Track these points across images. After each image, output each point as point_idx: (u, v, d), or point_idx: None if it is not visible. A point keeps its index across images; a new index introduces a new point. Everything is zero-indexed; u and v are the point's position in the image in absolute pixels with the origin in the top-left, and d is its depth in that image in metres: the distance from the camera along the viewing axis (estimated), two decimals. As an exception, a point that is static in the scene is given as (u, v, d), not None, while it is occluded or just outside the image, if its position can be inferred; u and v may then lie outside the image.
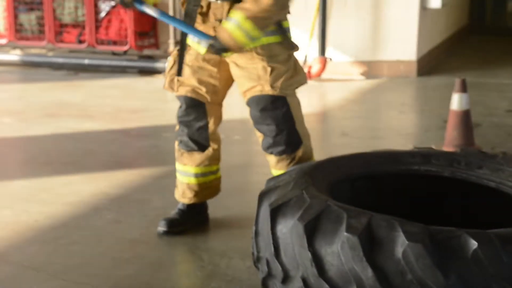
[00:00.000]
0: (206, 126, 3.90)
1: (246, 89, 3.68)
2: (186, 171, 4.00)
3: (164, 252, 3.94)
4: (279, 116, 3.63)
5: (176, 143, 4.03)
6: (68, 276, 3.60)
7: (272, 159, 3.77)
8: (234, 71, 3.72)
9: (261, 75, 3.59)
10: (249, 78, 3.64)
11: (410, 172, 3.29)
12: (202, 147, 3.92)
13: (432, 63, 8.92)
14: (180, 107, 3.94)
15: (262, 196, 2.92)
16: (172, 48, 9.01)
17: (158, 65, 9.19)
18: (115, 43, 9.33)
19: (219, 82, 3.79)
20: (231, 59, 3.66)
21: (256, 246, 2.91)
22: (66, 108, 7.21)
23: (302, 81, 3.74)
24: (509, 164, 3.14)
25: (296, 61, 3.75)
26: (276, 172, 3.72)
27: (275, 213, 2.72)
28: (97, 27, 9.35)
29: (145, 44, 9.34)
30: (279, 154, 3.71)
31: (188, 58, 3.78)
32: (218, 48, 3.52)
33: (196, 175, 3.97)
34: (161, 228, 4.01)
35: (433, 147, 5.15)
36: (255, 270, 3.24)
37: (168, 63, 3.96)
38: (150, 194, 4.77)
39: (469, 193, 3.19)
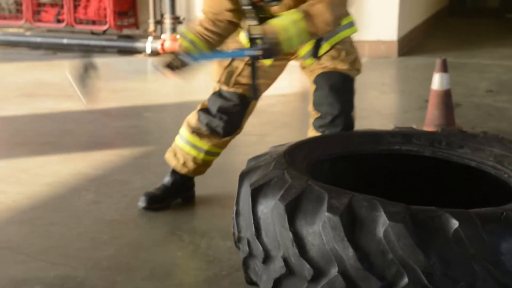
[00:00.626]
0: (242, 116, 3.94)
1: (315, 68, 3.67)
2: (199, 146, 3.99)
3: (144, 233, 3.90)
4: (344, 97, 3.65)
5: (196, 118, 4.06)
6: (47, 257, 3.55)
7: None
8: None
9: (335, 55, 3.60)
10: (322, 60, 3.64)
11: (391, 152, 3.29)
12: (225, 135, 3.96)
13: (412, 43, 8.98)
14: (225, 97, 3.89)
15: (243, 176, 2.90)
16: (152, 28, 8.87)
17: (138, 45, 9.15)
18: (94, 22, 9.25)
19: (273, 80, 3.87)
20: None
21: (237, 226, 2.89)
22: (44, 88, 7.16)
23: (360, 70, 3.81)
24: (489, 144, 3.14)
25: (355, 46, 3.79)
26: None
27: (256, 193, 2.69)
28: (75, 6, 9.25)
29: (125, 23, 9.30)
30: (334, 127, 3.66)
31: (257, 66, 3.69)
32: (268, 49, 3.40)
33: (206, 153, 4.00)
34: (141, 203, 4.02)
35: (414, 126, 5.16)
36: (236, 250, 3.23)
37: (229, 66, 3.85)
38: (129, 175, 4.72)
39: (450, 173, 3.20)
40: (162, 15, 9.22)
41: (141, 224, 4.03)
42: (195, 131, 3.97)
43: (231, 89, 3.84)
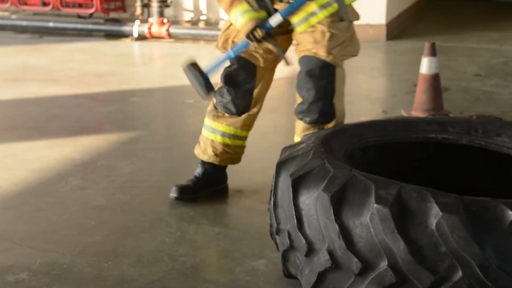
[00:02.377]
0: (252, 90, 3.81)
1: (301, 49, 3.62)
2: (214, 128, 3.90)
3: (131, 219, 3.82)
4: (321, 84, 3.57)
5: (213, 101, 3.91)
6: (33, 243, 3.49)
7: (300, 125, 3.69)
8: (295, 35, 3.69)
9: (318, 39, 3.51)
10: (307, 41, 3.57)
11: (426, 140, 3.24)
12: (240, 113, 3.83)
13: (401, 27, 9.10)
14: (229, 66, 3.78)
15: (280, 166, 2.85)
16: (139, 11, 8.70)
17: (125, 28, 9.03)
18: (80, 5, 9.16)
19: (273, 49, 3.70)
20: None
21: (276, 218, 2.82)
22: (30, 72, 7.03)
23: (354, 53, 3.71)
24: None
25: (354, 32, 3.73)
26: (299, 139, 3.58)
27: (297, 184, 2.62)
28: None
29: (111, 7, 9.24)
30: (309, 122, 3.63)
31: None
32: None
33: (223, 134, 3.88)
34: (173, 194, 3.93)
35: (402, 111, 5.43)
36: (224, 236, 3.56)
37: (224, 24, 3.90)
38: (116, 160, 4.65)
39: (488, 162, 3.14)
40: (149, -3, 8.80)
41: (128, 210, 3.91)
42: (212, 114, 3.89)
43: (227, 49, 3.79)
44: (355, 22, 3.63)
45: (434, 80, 5.23)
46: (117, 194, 4.06)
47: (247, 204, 3.89)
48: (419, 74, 5.30)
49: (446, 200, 2.26)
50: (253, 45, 3.56)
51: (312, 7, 3.49)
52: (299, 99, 3.66)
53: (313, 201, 2.52)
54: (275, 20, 3.53)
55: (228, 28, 3.83)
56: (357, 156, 3.05)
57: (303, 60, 3.58)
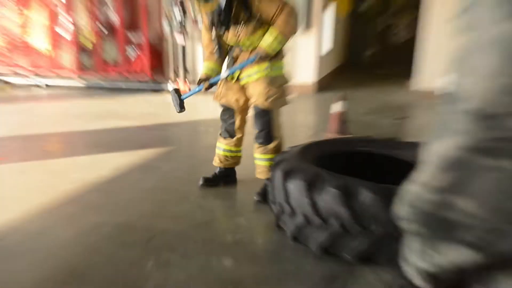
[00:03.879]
0: (233, 123, 3.71)
1: (252, 100, 3.50)
2: (219, 146, 3.82)
3: (167, 195, 3.67)
4: (263, 121, 3.49)
5: (220, 131, 3.82)
6: (113, 210, 3.39)
7: (255, 144, 3.60)
8: (250, 89, 3.48)
9: (261, 93, 3.40)
10: (256, 93, 3.44)
11: (358, 151, 3.35)
12: (230, 135, 3.76)
13: (323, 85, 8.84)
14: (221, 110, 3.74)
15: (276, 165, 2.95)
16: (173, 76, 8.69)
17: (164, 87, 8.80)
18: (139, 73, 8.93)
19: (242, 96, 3.58)
20: (248, 83, 3.49)
21: (273, 194, 2.92)
22: (110, 113, 6.92)
23: (284, 103, 3.50)
24: (405, 145, 3.24)
25: (285, 88, 3.51)
26: (256, 154, 3.61)
27: (286, 175, 2.74)
28: (128, 64, 8.99)
29: (156, 74, 9.03)
30: (258, 143, 3.57)
31: (225, 84, 3.58)
32: (263, 57, 3.31)
33: (224, 150, 3.80)
34: (200, 182, 3.83)
35: (324, 134, 5.28)
36: (228, 205, 3.51)
37: (217, 87, 3.67)
38: (159, 162, 4.51)
39: (390, 164, 3.14)
40: (177, 67, 8.76)
41: (166, 190, 3.76)
42: (219, 138, 3.83)
43: (219, 102, 3.68)
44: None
45: (341, 115, 5.16)
46: (159, 182, 3.96)
47: (245, 189, 3.74)
48: (333, 112, 5.21)
49: (369, 186, 2.40)
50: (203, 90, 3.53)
51: (254, 69, 3.37)
52: (255, 130, 3.59)
53: (295, 185, 2.64)
54: (221, 75, 3.50)
55: (218, 88, 3.69)
56: (320, 161, 3.03)
57: (253, 108, 3.49)
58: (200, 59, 8.77)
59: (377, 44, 11.27)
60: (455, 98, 0.37)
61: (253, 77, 3.43)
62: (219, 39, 3.50)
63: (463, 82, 0.37)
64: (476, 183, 0.41)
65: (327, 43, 8.35)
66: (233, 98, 3.60)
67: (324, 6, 8.11)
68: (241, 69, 3.48)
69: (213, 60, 3.60)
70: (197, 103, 7.37)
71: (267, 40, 3.26)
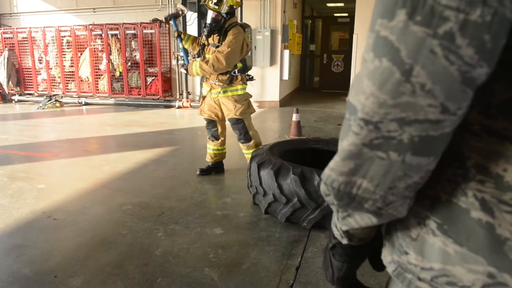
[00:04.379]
0: (217, 131, 3.57)
1: (226, 114, 3.40)
2: (209, 147, 3.65)
3: (174, 182, 3.48)
4: (239, 127, 3.38)
5: (207, 136, 3.67)
6: (132, 193, 3.25)
7: (240, 145, 3.48)
8: (222, 106, 3.39)
9: (231, 108, 3.33)
10: (227, 109, 3.36)
11: (312, 147, 3.22)
12: (216, 139, 3.60)
13: (284, 102, 8.72)
14: (206, 122, 3.57)
15: (252, 158, 2.81)
16: (178, 96, 8.44)
17: (172, 104, 8.43)
18: (154, 94, 8.54)
19: (219, 111, 3.46)
20: (221, 100, 3.37)
21: (250, 180, 2.78)
22: (132, 122, 6.62)
23: (252, 111, 3.41)
24: (328, 141, 3.18)
25: (249, 102, 3.42)
26: (244, 150, 3.48)
27: (259, 166, 2.63)
28: (146, 88, 8.61)
29: (167, 94, 8.61)
30: (242, 143, 3.43)
31: (206, 99, 3.45)
32: (186, 69, 3.29)
33: (213, 150, 3.64)
34: (198, 172, 3.66)
35: (286, 135, 5.18)
36: (218, 189, 3.29)
37: (200, 104, 3.60)
38: (168, 158, 4.32)
39: (331, 156, 2.94)
40: (181, 90, 8.57)
41: (173, 178, 3.61)
42: (208, 140, 3.67)
43: (203, 116, 3.54)
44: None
45: (298, 123, 5.07)
46: (169, 172, 3.80)
47: (230, 176, 3.63)
48: (292, 120, 5.14)
49: (319, 172, 2.30)
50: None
51: (215, 90, 3.27)
52: (236, 134, 3.43)
53: (266, 173, 2.54)
54: (182, 50, 3.47)
55: (200, 105, 3.57)
56: (284, 155, 2.96)
57: (229, 120, 3.33)
58: (197, 84, 8.49)
59: (322, 72, 11.22)
60: (352, 108, 0.43)
61: (217, 95, 3.30)
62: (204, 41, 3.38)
63: (356, 98, 0.43)
64: (372, 169, 0.45)
65: (286, 73, 8.22)
66: (212, 113, 3.47)
67: (283, 48, 7.97)
68: (185, 57, 3.45)
69: (193, 46, 3.45)
70: (196, 116, 7.24)
71: (196, 64, 3.17)
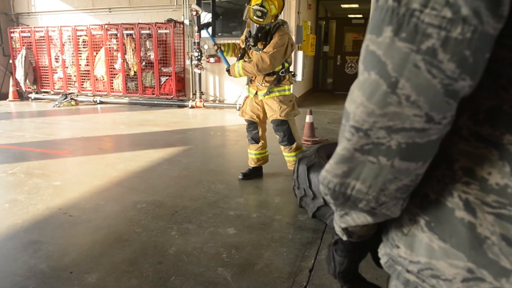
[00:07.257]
0: (258, 133, 3.49)
1: (270, 115, 3.31)
2: (251, 152, 3.56)
3: (187, 181, 3.49)
4: (283, 129, 3.30)
5: (247, 139, 3.59)
6: (147, 191, 3.25)
7: (282, 147, 3.41)
8: (266, 106, 3.32)
9: (276, 109, 3.25)
10: (271, 110, 3.28)
11: None
12: (256, 142, 3.51)
13: (298, 103, 8.48)
14: (247, 124, 3.51)
15: (300, 160, 2.80)
16: (192, 96, 8.53)
17: (186, 103, 8.46)
18: (168, 94, 8.57)
19: (261, 112, 3.40)
20: (265, 101, 3.30)
21: (297, 182, 2.75)
22: (147, 121, 6.67)
23: (296, 114, 3.33)
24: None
25: (294, 103, 3.34)
26: (285, 153, 3.41)
27: (309, 168, 2.63)
28: (160, 87, 8.67)
29: (180, 94, 8.61)
30: (284, 145, 3.36)
31: (248, 100, 3.41)
32: (227, 70, 3.26)
33: (255, 154, 3.55)
34: (240, 176, 3.58)
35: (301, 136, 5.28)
36: (251, 192, 3.18)
37: (242, 105, 3.50)
38: (181, 157, 4.32)
39: None
40: (195, 90, 8.57)
41: (186, 178, 3.61)
42: (249, 145, 3.57)
43: (244, 117, 3.47)
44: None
45: (311, 124, 5.02)
46: (182, 171, 3.80)
47: (264, 179, 3.58)
48: (305, 122, 5.07)
49: None
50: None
51: (262, 91, 3.22)
52: (278, 137, 3.37)
53: (315, 176, 2.55)
54: (219, 53, 3.30)
55: (242, 106, 3.48)
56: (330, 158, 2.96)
57: (273, 121, 3.26)
58: (211, 84, 8.60)
59: (335, 74, 11.15)
60: (347, 115, 0.47)
61: (264, 96, 3.24)
62: (245, 46, 3.32)
63: (349, 107, 0.47)
64: (364, 172, 0.47)
65: (300, 74, 8.18)
66: (254, 114, 3.40)
67: (296, 49, 7.86)
68: (224, 60, 3.34)
69: (235, 53, 3.40)
70: (209, 116, 7.24)
71: (239, 65, 3.13)
